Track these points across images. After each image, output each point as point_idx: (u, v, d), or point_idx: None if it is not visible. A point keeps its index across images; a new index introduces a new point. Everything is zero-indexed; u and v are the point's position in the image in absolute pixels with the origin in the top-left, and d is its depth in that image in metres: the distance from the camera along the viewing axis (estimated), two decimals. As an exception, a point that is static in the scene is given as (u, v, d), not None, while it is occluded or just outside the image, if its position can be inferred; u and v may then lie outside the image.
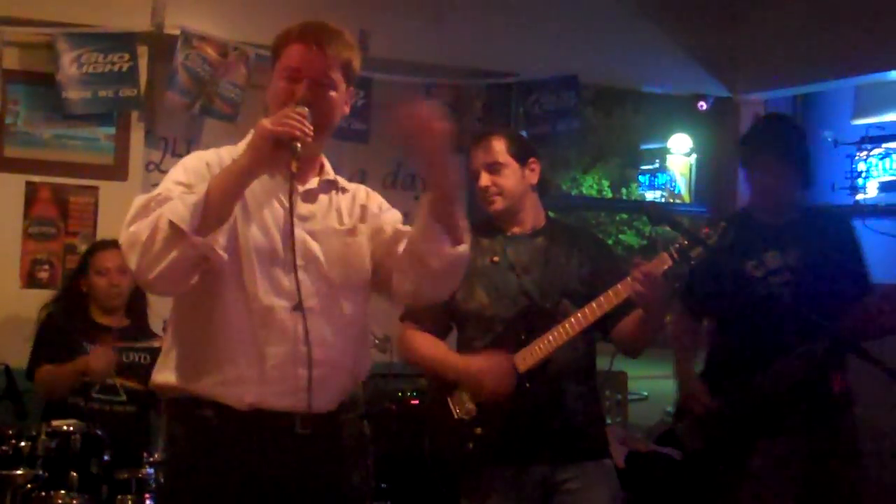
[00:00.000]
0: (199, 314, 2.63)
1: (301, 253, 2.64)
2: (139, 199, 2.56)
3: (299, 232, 2.65)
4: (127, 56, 5.14)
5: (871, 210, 6.26)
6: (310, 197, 2.75)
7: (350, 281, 2.74)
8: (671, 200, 6.08)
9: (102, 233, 5.17)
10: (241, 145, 2.69)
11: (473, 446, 3.50)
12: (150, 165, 5.47)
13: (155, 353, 4.44)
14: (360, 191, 2.88)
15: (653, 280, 3.32)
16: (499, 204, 3.65)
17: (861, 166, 6.33)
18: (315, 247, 2.69)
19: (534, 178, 3.66)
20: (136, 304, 4.74)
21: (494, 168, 3.63)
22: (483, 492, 3.54)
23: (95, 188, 5.25)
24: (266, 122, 2.52)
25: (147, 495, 4.04)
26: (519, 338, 3.53)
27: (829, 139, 6.69)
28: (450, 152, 2.57)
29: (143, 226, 2.47)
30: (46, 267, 5.17)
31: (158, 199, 2.51)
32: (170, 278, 2.47)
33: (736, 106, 6.42)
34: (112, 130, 5.26)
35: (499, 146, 3.65)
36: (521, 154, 3.66)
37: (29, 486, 3.85)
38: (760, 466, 3.89)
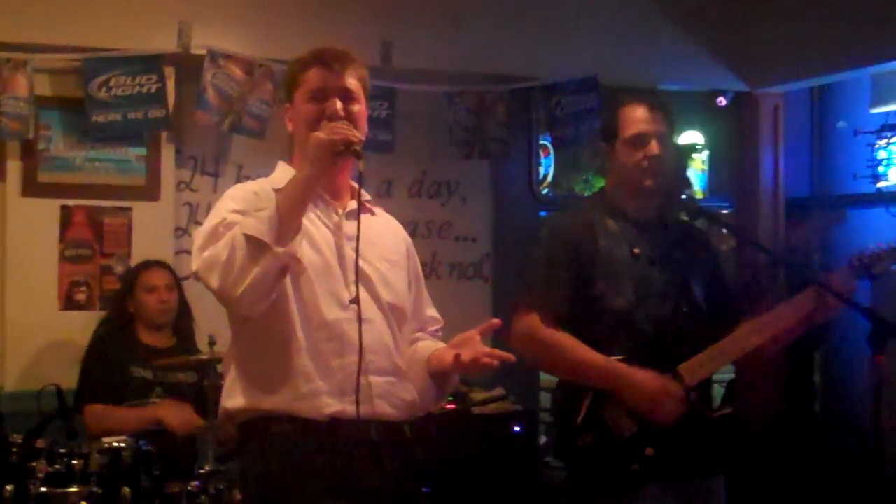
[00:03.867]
0: (265, 335, 2.69)
1: (351, 269, 2.73)
2: (203, 229, 2.66)
3: (348, 251, 2.75)
4: (154, 78, 5.20)
5: (894, 197, 6.31)
6: (352, 217, 2.81)
7: (395, 302, 2.82)
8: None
9: (137, 252, 5.26)
10: (277, 175, 2.83)
11: (641, 466, 3.21)
12: (180, 185, 5.55)
13: (201, 371, 4.58)
14: (400, 228, 3.01)
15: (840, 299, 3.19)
16: (659, 181, 3.32)
17: (882, 154, 6.37)
18: (365, 266, 2.76)
19: None
20: (182, 323, 4.83)
21: (663, 139, 3.32)
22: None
23: (129, 209, 5.32)
24: (320, 135, 2.64)
25: (197, 507, 4.13)
26: (666, 341, 3.26)
27: (845, 129, 6.75)
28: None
29: (218, 248, 2.56)
30: (84, 288, 5.25)
31: (225, 224, 2.60)
32: (256, 293, 2.53)
33: (755, 100, 6.46)
34: (143, 151, 5.34)
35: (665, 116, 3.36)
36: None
37: (83, 503, 3.93)
38: None
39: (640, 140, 3.30)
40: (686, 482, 3.27)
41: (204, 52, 5.23)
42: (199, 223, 5.53)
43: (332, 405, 2.66)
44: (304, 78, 2.81)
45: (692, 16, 6.21)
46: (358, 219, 2.72)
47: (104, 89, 5.13)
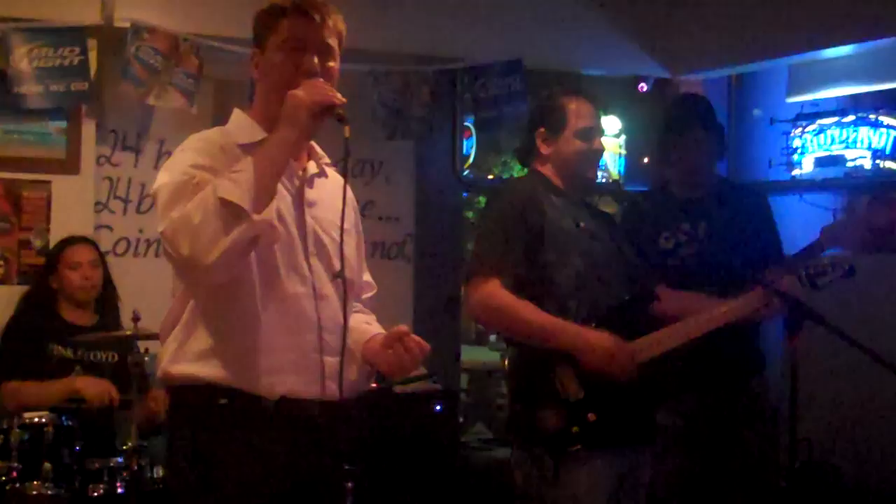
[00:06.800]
0: (221, 303, 2.54)
1: (312, 240, 2.64)
2: (167, 186, 2.46)
3: (308, 219, 2.64)
4: (77, 50, 5.13)
5: (808, 185, 6.46)
6: (311, 182, 2.70)
7: (347, 275, 2.66)
8: (603, 180, 6.29)
9: (56, 227, 5.20)
10: (236, 126, 2.67)
11: (580, 430, 3.29)
12: (101, 159, 5.47)
13: (123, 349, 4.53)
14: (348, 189, 2.74)
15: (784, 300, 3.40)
16: (597, 172, 3.66)
17: (797, 143, 6.49)
18: (323, 236, 2.66)
19: None
20: (105, 300, 4.78)
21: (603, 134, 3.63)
22: (589, 474, 3.34)
23: (48, 182, 5.25)
24: (300, 93, 2.48)
25: (118, 483, 4.11)
26: (612, 310, 3.40)
27: (760, 116, 6.88)
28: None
29: (190, 209, 2.36)
30: (1, 262, 5.16)
31: (194, 183, 2.42)
32: (228, 262, 2.37)
33: (675, 86, 6.56)
34: (64, 124, 5.26)
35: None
36: None
37: (3, 478, 3.91)
38: (666, 425, 3.76)
39: (589, 133, 3.54)
40: (620, 452, 3.39)
41: (127, 24, 5.17)
42: (119, 198, 5.50)
43: (285, 384, 2.56)
44: (280, 25, 2.61)
45: (616, 2, 6.29)
46: (344, 193, 2.57)
47: (26, 60, 5.04)
